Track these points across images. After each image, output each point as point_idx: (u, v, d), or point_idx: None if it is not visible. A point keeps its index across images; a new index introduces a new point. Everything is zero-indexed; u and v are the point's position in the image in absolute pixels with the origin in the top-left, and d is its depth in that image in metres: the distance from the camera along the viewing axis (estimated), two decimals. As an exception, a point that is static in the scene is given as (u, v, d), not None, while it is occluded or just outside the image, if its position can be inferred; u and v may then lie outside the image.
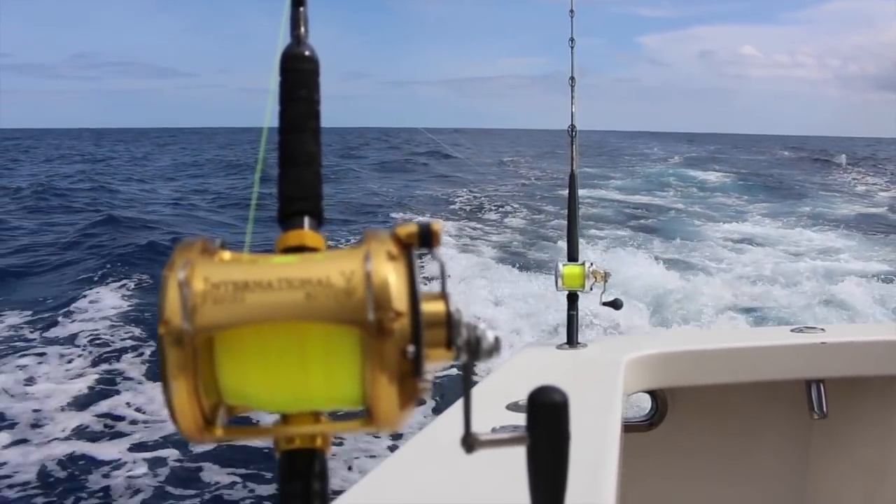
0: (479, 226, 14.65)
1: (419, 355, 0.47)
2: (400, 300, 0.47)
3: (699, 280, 9.68)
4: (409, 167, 29.46)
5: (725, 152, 46.32)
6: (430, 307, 0.49)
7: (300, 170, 0.58)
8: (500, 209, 17.10)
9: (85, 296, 8.31)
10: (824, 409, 2.30)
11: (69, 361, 6.49)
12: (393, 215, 15.35)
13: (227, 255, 0.50)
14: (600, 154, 40.52)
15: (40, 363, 6.43)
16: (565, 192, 2.49)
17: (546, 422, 0.56)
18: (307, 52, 0.59)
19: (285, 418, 0.51)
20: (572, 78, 2.52)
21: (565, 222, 2.44)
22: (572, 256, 2.33)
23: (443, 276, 0.51)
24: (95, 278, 9.05)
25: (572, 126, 2.47)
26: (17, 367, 6.31)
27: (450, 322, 0.49)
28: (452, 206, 17.34)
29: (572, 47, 2.55)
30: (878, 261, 11.43)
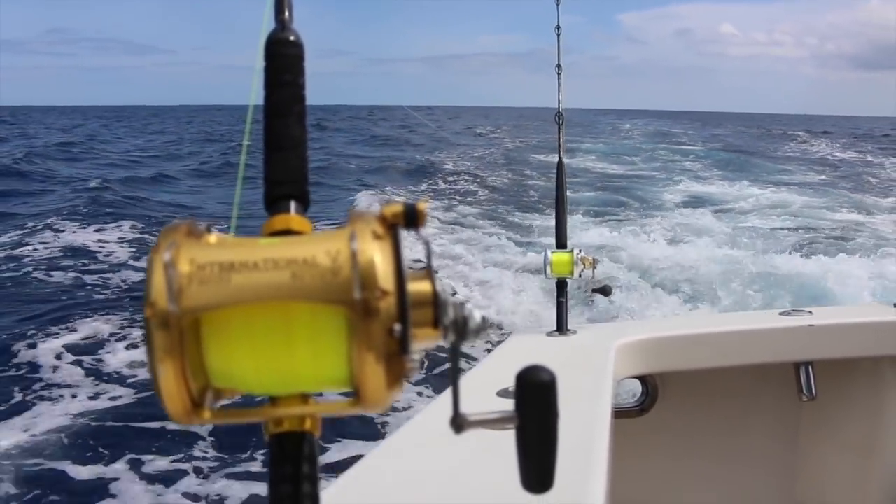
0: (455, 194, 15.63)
1: (406, 334, 0.47)
2: (386, 279, 0.47)
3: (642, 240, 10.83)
4: (391, 143, 30.48)
5: (697, 128, 49.68)
6: (417, 286, 0.49)
7: (286, 154, 0.58)
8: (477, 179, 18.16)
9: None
10: (813, 391, 2.32)
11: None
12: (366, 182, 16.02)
13: (213, 237, 0.49)
14: (575, 126, 42.03)
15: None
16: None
17: (534, 401, 0.56)
18: (292, 37, 0.59)
19: (273, 401, 0.51)
20: (559, 66, 2.52)
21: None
22: (561, 243, 2.34)
23: (429, 256, 0.51)
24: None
25: (559, 113, 2.47)
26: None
27: (436, 301, 0.50)
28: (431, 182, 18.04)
29: (558, 35, 2.55)
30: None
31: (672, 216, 13.45)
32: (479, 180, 18.30)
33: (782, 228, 12.42)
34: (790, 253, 9.86)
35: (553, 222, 2.41)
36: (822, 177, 21.31)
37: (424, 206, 0.50)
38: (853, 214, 14.15)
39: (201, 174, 19.94)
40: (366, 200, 13.79)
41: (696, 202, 15.52)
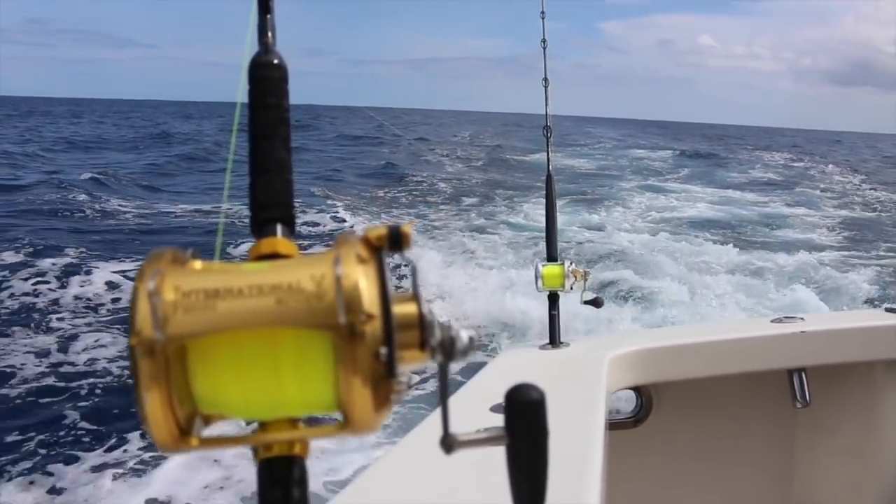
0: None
1: (392, 357, 0.47)
2: (371, 303, 0.47)
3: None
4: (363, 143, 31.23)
5: (671, 137, 53.77)
6: (402, 309, 0.49)
7: (271, 177, 0.58)
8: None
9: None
10: (807, 397, 2.33)
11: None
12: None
13: (198, 264, 0.49)
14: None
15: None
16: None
17: (524, 420, 0.56)
18: (275, 60, 0.59)
19: (262, 426, 0.51)
20: (545, 79, 2.53)
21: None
22: (552, 256, 2.34)
23: (414, 278, 0.51)
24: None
25: (547, 127, 2.48)
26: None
27: (422, 323, 0.50)
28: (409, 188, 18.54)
29: (544, 48, 2.56)
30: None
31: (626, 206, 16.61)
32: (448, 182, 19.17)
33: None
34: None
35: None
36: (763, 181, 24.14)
37: (409, 228, 0.50)
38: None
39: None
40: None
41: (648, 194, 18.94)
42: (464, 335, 0.51)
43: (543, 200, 2.44)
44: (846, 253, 12.15)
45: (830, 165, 31.81)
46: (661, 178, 23.59)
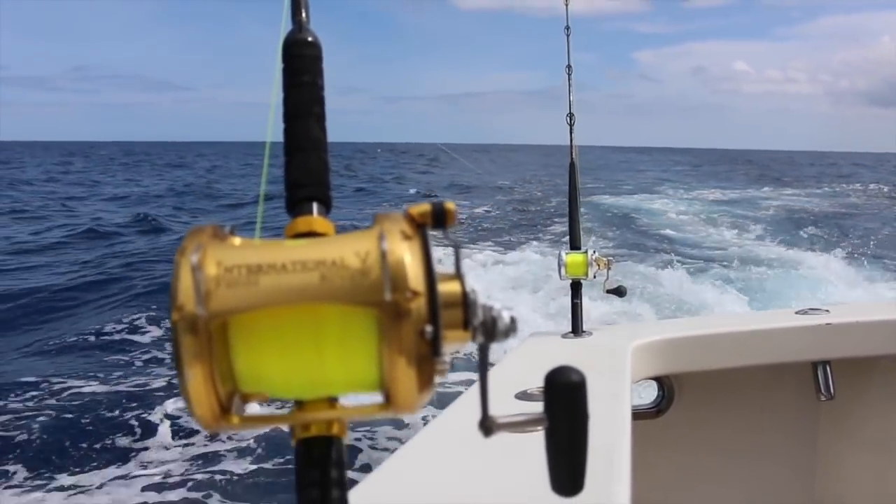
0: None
1: (437, 336, 0.46)
2: (416, 280, 0.46)
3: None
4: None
5: (706, 165, 52.04)
6: (447, 287, 0.48)
7: (306, 155, 0.57)
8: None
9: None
10: (831, 390, 2.30)
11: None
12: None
13: (237, 240, 0.49)
14: (593, 168, 42.33)
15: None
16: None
17: (565, 402, 0.55)
18: (309, 38, 0.58)
19: (300, 405, 0.50)
20: (569, 66, 2.51)
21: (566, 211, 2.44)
22: (574, 245, 2.33)
23: (457, 257, 0.50)
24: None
25: (570, 114, 2.46)
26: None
27: (466, 302, 0.49)
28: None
29: (568, 35, 2.54)
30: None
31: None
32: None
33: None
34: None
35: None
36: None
37: (452, 205, 0.50)
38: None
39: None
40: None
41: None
42: (506, 315, 0.50)
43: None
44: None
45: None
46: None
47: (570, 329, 2.26)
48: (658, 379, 2.36)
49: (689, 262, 11.54)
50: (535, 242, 13.91)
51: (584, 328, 2.25)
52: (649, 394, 2.44)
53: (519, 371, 1.79)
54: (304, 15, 0.59)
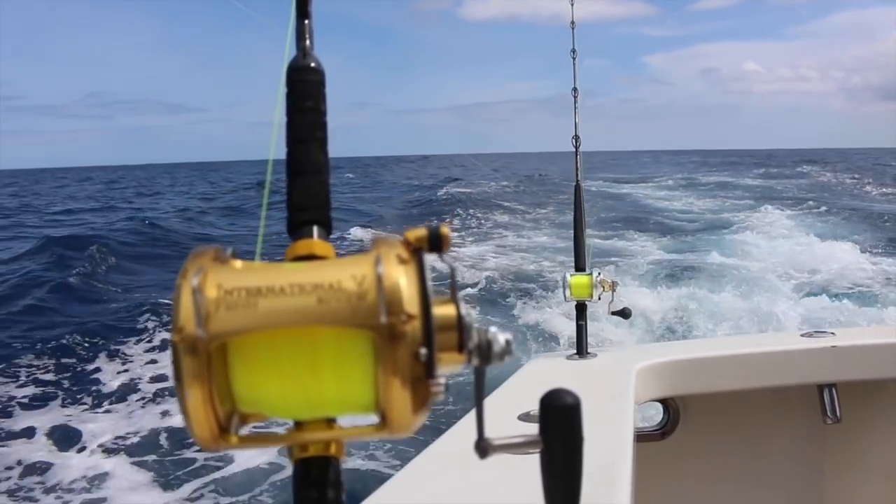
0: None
1: (431, 358, 0.47)
2: (411, 303, 0.47)
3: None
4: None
5: (720, 165, 51.33)
6: (441, 310, 0.49)
7: (308, 179, 0.58)
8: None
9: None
10: (837, 413, 2.29)
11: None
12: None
13: (238, 263, 0.50)
14: (606, 168, 42.71)
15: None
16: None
17: (559, 425, 0.55)
18: (313, 64, 0.59)
19: (299, 425, 0.51)
20: (575, 89, 2.53)
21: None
22: (580, 266, 2.33)
23: (453, 280, 0.51)
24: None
25: (576, 136, 2.48)
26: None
27: (461, 325, 0.50)
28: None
29: (574, 59, 2.56)
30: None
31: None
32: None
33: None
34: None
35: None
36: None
37: (447, 229, 0.51)
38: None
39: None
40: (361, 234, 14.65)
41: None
42: (501, 338, 0.51)
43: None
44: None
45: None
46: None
47: (575, 350, 2.26)
48: (663, 401, 2.35)
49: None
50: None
51: (589, 350, 2.25)
52: (655, 416, 2.44)
53: (522, 392, 1.79)
54: (307, 41, 0.60)
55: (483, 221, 17.39)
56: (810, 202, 19.28)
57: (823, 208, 18.01)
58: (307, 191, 0.58)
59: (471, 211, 18.99)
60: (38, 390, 6.52)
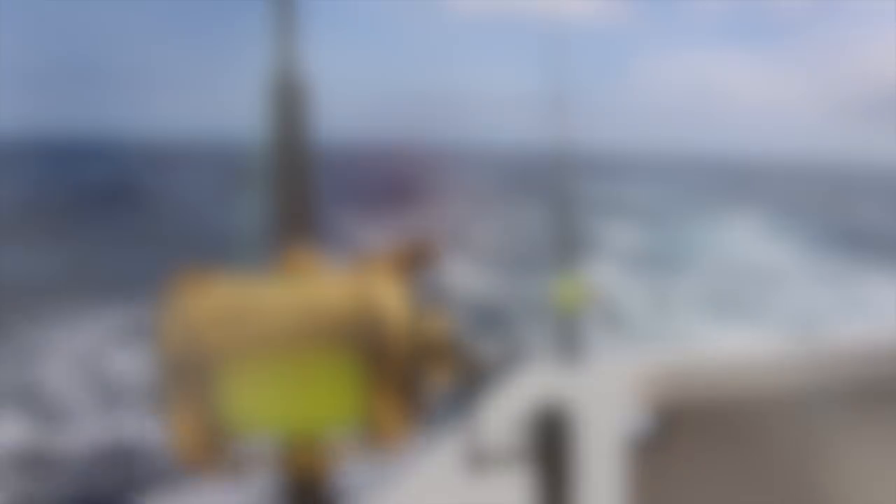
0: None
1: (419, 376, 0.47)
2: (399, 322, 0.47)
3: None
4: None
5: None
6: (429, 327, 0.49)
7: (295, 195, 0.58)
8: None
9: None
10: (831, 421, 2.29)
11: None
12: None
13: (225, 282, 0.50)
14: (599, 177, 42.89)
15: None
16: None
17: (549, 437, 0.55)
18: (299, 77, 0.59)
19: (287, 443, 0.51)
20: (563, 99, 2.53)
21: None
22: (570, 275, 2.33)
23: (442, 297, 0.51)
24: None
25: (567, 147, 2.48)
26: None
27: (449, 342, 0.49)
28: None
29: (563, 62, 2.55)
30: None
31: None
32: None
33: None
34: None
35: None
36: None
37: (436, 246, 0.50)
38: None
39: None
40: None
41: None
42: (489, 355, 0.51)
43: None
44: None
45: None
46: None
47: (568, 359, 2.26)
48: (658, 409, 2.35)
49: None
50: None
51: (583, 358, 2.25)
52: (650, 424, 2.43)
53: (515, 402, 1.78)
54: (294, 54, 0.60)
55: (467, 225, 17.38)
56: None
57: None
58: (294, 206, 0.57)
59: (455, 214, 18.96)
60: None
